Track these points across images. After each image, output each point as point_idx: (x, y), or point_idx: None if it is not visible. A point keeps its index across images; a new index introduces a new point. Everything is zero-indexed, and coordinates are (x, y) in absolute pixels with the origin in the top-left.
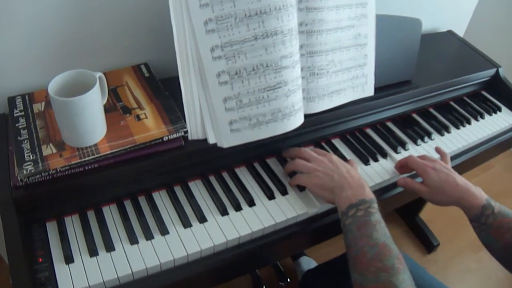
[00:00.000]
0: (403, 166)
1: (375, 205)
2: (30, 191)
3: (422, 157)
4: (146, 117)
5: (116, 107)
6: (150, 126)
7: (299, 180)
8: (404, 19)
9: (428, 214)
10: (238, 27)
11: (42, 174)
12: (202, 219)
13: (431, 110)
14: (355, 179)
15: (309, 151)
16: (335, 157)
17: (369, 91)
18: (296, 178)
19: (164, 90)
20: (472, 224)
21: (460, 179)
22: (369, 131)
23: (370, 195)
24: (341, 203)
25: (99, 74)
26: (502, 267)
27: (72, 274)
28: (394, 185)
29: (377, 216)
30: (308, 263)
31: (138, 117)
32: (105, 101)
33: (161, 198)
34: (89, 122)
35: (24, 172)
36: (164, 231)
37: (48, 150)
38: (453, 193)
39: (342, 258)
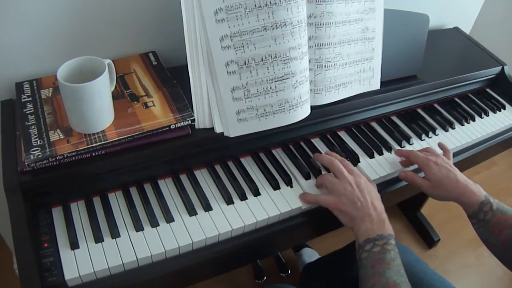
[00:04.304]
0: (405, 158)
1: (393, 241)
2: (37, 176)
3: (426, 150)
4: (154, 105)
5: (123, 95)
6: (158, 114)
7: (321, 201)
8: (411, 15)
9: (429, 209)
10: (247, 18)
11: (49, 159)
12: (207, 207)
13: (436, 105)
14: (378, 212)
15: (340, 166)
16: (363, 180)
17: (375, 85)
18: (318, 198)
19: (172, 78)
20: (470, 220)
21: (461, 176)
22: (374, 124)
23: (389, 230)
24: (359, 235)
25: (107, 61)
26: (502, 264)
27: (78, 260)
28: (397, 179)
29: (393, 253)
30: (310, 255)
31: (145, 105)
32: (113, 88)
33: (167, 186)
34: (97, 108)
35: (31, 157)
36: (169, 219)
37: (55, 135)
38: (453, 189)
39: (342, 251)
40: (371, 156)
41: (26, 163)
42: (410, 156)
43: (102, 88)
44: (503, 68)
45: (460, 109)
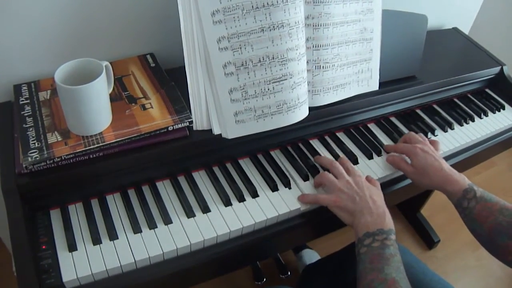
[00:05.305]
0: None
1: (393, 236)
2: (35, 178)
3: (419, 135)
4: (152, 107)
5: (121, 97)
6: (155, 115)
7: (321, 200)
8: (410, 15)
9: (429, 210)
10: (245, 19)
11: (47, 161)
12: (205, 209)
13: (435, 106)
14: (377, 206)
15: (340, 167)
16: (363, 180)
17: (374, 86)
18: (318, 197)
19: (170, 80)
20: (457, 210)
21: (446, 165)
22: (373, 125)
23: (389, 225)
24: (358, 228)
25: (105, 63)
26: (502, 265)
27: (75, 262)
28: (396, 180)
29: (392, 249)
30: (310, 256)
31: (143, 107)
32: (111, 90)
33: (165, 188)
34: (95, 110)
35: (29, 159)
36: (167, 221)
37: (53, 138)
38: (437, 177)
39: (342, 253)
40: (370, 157)
41: (24, 165)
42: (398, 149)
43: (100, 90)
44: (502, 68)
45: (459, 110)
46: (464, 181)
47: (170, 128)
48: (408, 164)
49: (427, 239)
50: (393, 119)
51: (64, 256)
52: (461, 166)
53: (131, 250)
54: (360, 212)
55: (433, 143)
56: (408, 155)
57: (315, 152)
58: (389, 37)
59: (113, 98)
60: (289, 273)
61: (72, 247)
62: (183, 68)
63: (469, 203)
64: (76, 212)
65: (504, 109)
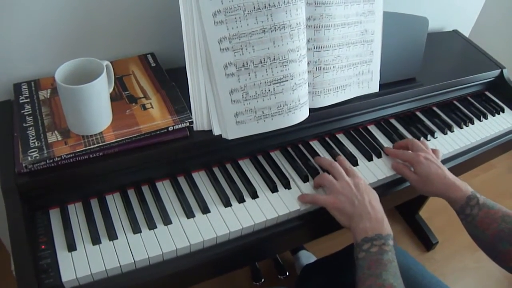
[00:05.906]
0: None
1: (391, 242)
2: (34, 178)
3: (421, 142)
4: (152, 107)
5: (122, 96)
6: (156, 115)
7: (320, 201)
8: (411, 17)
9: (428, 212)
10: (246, 20)
11: (47, 161)
12: (205, 210)
13: (435, 108)
14: (376, 211)
15: (339, 168)
16: (362, 182)
17: (374, 88)
18: (317, 198)
19: (170, 80)
20: (459, 216)
21: (449, 173)
22: (373, 127)
23: (387, 230)
24: (357, 233)
25: (106, 63)
26: (493, 261)
27: (75, 262)
28: (396, 182)
29: (390, 254)
30: (307, 257)
31: (143, 107)
32: (111, 89)
33: (165, 188)
34: (95, 110)
35: (29, 158)
36: (167, 221)
37: (53, 137)
38: (440, 184)
39: (340, 253)
40: (370, 159)
41: (24, 165)
42: (399, 156)
43: (100, 89)
44: (502, 71)
45: (459, 112)
46: (467, 188)
47: (170, 128)
48: (412, 171)
49: (426, 241)
50: (393, 121)
51: (63, 256)
52: (460, 169)
53: (131, 250)
54: (359, 216)
55: (434, 151)
56: (411, 163)
57: (315, 154)
58: (390, 39)
59: (114, 97)
60: (287, 274)
61: (71, 247)
62: (183, 68)
63: (472, 210)
64: (76, 212)
65: (503, 112)
